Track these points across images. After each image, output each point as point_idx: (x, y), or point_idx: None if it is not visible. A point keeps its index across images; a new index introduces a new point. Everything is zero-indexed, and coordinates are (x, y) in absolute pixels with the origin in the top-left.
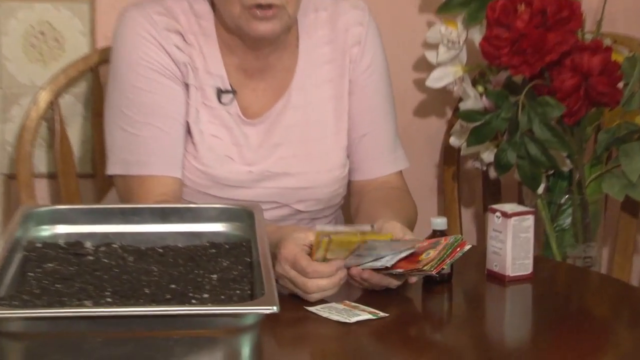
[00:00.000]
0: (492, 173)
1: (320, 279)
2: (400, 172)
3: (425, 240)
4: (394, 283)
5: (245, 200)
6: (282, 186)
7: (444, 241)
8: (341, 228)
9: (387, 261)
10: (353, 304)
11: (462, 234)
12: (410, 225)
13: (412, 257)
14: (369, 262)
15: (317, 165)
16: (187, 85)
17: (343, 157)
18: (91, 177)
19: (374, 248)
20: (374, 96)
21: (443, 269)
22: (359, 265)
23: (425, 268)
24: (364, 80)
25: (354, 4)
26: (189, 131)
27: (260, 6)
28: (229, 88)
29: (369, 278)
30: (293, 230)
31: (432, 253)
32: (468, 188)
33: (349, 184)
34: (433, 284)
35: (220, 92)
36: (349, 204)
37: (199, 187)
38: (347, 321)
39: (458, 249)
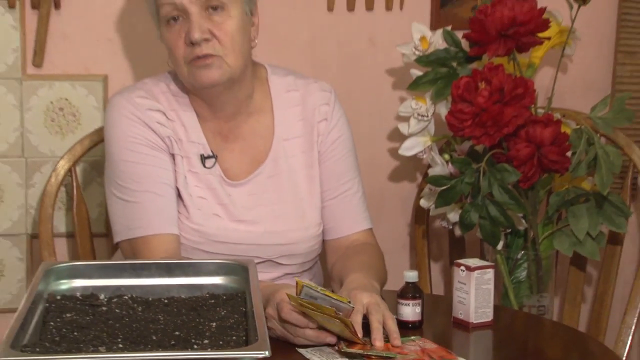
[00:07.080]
0: (457, 231)
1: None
2: (371, 229)
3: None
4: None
5: (239, 256)
6: (265, 243)
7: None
8: (319, 293)
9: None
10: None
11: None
12: (379, 274)
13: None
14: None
15: (295, 224)
16: (173, 156)
17: (317, 216)
18: (104, 236)
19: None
20: (341, 164)
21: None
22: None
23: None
24: (332, 151)
25: (321, 87)
26: (179, 195)
27: (198, 57)
28: (210, 153)
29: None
30: (285, 285)
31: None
32: (436, 244)
33: (325, 243)
34: (406, 329)
35: (203, 158)
36: (326, 260)
37: (192, 244)
38: None
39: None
